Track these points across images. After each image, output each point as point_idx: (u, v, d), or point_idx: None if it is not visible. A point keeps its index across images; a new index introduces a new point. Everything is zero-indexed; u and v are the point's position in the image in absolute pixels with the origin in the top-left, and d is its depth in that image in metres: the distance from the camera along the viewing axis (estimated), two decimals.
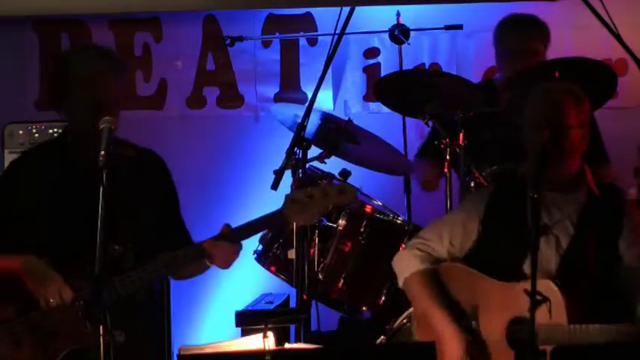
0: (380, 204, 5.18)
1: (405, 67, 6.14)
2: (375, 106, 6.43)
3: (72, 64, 4.17)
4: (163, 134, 6.39)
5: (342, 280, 5.01)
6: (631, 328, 4.11)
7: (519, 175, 4.45)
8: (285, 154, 4.72)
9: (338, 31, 4.94)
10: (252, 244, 4.80)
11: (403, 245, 4.90)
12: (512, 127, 4.86)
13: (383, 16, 6.13)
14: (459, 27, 6.03)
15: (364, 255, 5.03)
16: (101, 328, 3.57)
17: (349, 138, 5.19)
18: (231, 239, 4.10)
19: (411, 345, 4.28)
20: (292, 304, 5.38)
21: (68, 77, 4.14)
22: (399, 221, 5.09)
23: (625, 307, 4.26)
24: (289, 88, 6.62)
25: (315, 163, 5.03)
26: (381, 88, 5.54)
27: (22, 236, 4.16)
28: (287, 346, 4.03)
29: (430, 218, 4.72)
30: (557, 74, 4.84)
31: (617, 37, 4.80)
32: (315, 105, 4.88)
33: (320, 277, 4.98)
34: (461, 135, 5.07)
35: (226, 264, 4.17)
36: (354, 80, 6.59)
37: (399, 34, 5.99)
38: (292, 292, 5.10)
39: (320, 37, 6.50)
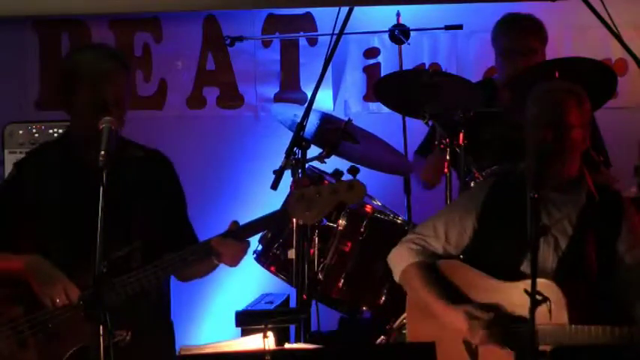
0: (380, 204, 5.18)
1: (405, 67, 6.14)
2: (375, 106, 6.44)
3: (80, 63, 4.14)
4: (163, 134, 6.38)
5: (342, 280, 5.02)
6: (630, 330, 4.11)
7: (518, 173, 4.45)
8: (284, 154, 4.72)
9: (338, 31, 4.94)
10: (252, 244, 4.79)
11: None
12: (512, 126, 4.86)
13: (383, 16, 6.13)
14: (459, 27, 6.02)
15: (364, 255, 5.03)
16: (101, 328, 3.56)
17: (349, 138, 5.19)
18: (239, 236, 4.07)
19: (411, 345, 4.26)
20: (292, 304, 5.38)
21: (76, 76, 4.11)
22: (399, 221, 5.10)
23: (623, 309, 4.26)
24: (289, 88, 6.62)
25: (315, 163, 5.03)
26: (381, 88, 5.54)
27: (27, 236, 4.15)
28: (287, 346, 4.02)
29: None
30: (557, 74, 4.84)
31: (617, 37, 4.81)
32: (315, 105, 4.88)
33: (320, 277, 4.99)
34: (461, 135, 5.07)
35: (234, 262, 4.12)
36: (354, 80, 6.59)
37: (399, 34, 5.99)
38: (292, 292, 5.10)
39: (320, 37, 6.50)
